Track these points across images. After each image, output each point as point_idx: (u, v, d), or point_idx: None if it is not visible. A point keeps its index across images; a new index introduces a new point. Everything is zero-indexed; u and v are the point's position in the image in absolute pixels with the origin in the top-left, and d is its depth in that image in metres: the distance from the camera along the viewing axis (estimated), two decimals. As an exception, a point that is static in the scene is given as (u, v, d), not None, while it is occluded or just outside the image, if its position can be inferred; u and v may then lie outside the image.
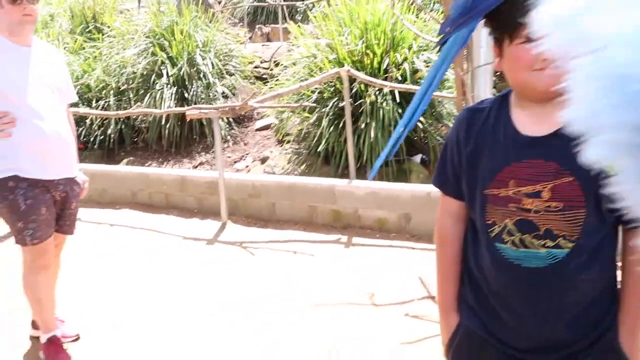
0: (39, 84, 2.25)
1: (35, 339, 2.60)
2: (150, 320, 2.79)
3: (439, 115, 4.72)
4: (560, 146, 0.95)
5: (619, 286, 1.09)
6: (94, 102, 6.49)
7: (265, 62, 7.50)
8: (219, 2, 10.41)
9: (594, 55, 0.46)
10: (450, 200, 1.20)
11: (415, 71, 4.74)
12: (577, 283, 1.02)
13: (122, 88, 6.49)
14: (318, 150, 4.83)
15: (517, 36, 0.96)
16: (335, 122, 4.74)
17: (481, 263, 1.11)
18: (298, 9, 10.05)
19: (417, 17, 5.26)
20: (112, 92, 6.47)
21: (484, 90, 2.43)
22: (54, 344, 2.39)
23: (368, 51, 4.76)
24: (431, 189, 3.73)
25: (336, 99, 4.82)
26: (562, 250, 0.99)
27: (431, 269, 3.14)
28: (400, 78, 4.66)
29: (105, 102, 6.44)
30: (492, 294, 1.10)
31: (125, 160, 6.07)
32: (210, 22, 6.97)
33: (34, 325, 2.61)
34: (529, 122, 1.03)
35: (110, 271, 3.49)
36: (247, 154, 5.81)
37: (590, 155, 0.48)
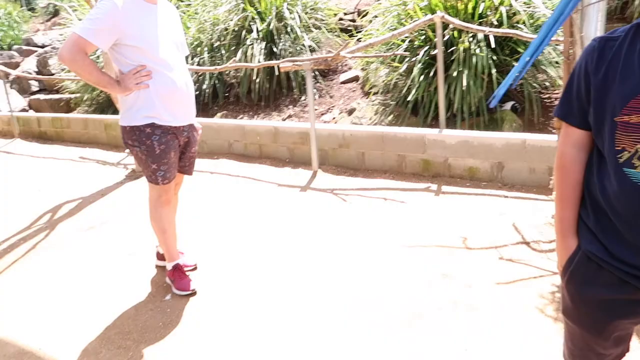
0: (167, 39, 2.47)
1: (160, 268, 2.97)
2: (252, 256, 3.06)
3: (536, 61, 4.50)
4: None
5: None
6: (189, 59, 6.86)
7: (350, 13, 7.45)
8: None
9: None
10: (574, 130, 1.24)
11: (512, 14, 4.53)
12: None
13: (216, 45, 6.78)
14: (407, 100, 4.82)
15: None
16: (426, 71, 4.69)
17: (608, 189, 1.16)
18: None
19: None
20: (206, 49, 6.79)
21: (594, 30, 2.32)
22: (178, 270, 2.72)
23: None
24: (526, 137, 3.65)
25: (427, 47, 4.74)
26: None
27: (525, 216, 3.15)
28: (496, 23, 4.47)
29: (200, 58, 6.78)
30: (618, 218, 1.15)
31: (219, 114, 6.42)
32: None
33: (159, 257, 2.97)
34: None
35: (215, 214, 3.81)
36: (333, 107, 5.92)
37: None
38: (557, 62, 4.51)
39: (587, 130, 1.20)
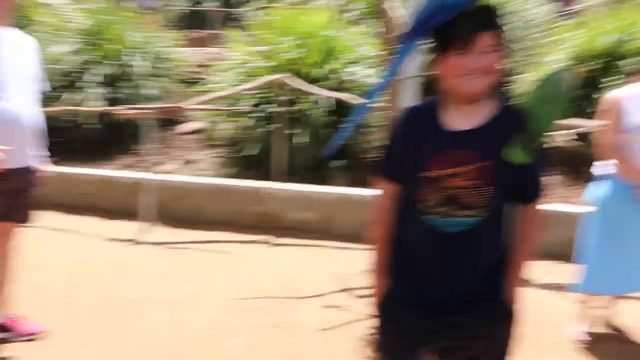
0: (11, 68, 2.23)
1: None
2: (71, 316, 2.77)
3: (364, 123, 4.99)
4: (480, 138, 1.27)
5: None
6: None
7: (198, 66, 7.52)
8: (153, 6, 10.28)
9: None
10: (389, 184, 1.45)
11: (348, 81, 5.01)
12: (486, 245, 1.33)
13: (51, 85, 6.26)
14: (246, 154, 4.94)
15: (453, 48, 1.24)
16: (267, 127, 4.89)
17: (413, 233, 1.38)
18: (233, 15, 10.15)
19: (353, 31, 5.55)
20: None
21: (411, 100, 2.71)
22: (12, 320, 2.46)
23: (304, 60, 4.97)
24: (353, 191, 3.97)
25: (270, 104, 4.97)
26: (476, 218, 1.29)
27: (350, 265, 3.36)
28: (334, 87, 4.90)
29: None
30: (420, 258, 1.37)
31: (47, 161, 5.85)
32: (143, 24, 6.90)
33: None
34: (458, 119, 1.31)
35: (35, 272, 3.39)
36: (172, 158, 5.80)
37: None
38: (380, 126, 5.05)
39: (401, 184, 1.41)
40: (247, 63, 5.38)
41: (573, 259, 2.70)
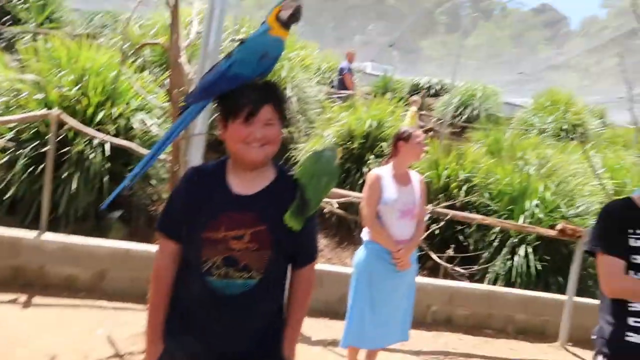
0: None
1: None
2: None
3: (146, 175, 4.81)
4: (259, 203, 1.37)
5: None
6: None
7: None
8: None
9: None
10: (170, 243, 1.43)
11: (130, 128, 4.77)
12: (262, 305, 1.40)
13: None
14: (4, 197, 4.24)
15: (237, 117, 1.34)
16: (31, 167, 4.30)
17: (192, 293, 1.37)
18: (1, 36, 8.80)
19: (140, 76, 5.36)
20: None
21: (196, 156, 2.73)
22: None
23: (83, 98, 4.58)
24: (130, 246, 3.75)
25: (37, 142, 4.40)
26: (253, 280, 1.35)
27: (122, 327, 3.12)
28: (113, 132, 4.60)
29: None
30: (197, 318, 1.38)
31: None
32: None
33: None
34: (240, 183, 1.39)
35: None
36: None
37: None
38: (164, 178, 4.93)
39: (181, 243, 1.41)
40: (13, 91, 4.71)
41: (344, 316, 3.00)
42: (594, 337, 1.84)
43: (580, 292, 4.33)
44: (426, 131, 9.38)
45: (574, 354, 4.07)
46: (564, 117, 10.82)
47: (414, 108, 9.62)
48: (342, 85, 9.89)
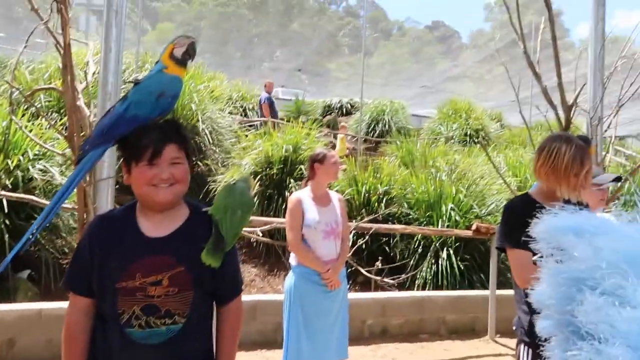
0: None
1: None
2: None
3: (53, 227, 4.48)
4: (174, 244, 1.30)
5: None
6: None
7: None
8: None
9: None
10: (80, 298, 1.33)
11: (29, 179, 4.44)
12: (190, 350, 1.32)
13: None
14: None
15: (141, 159, 1.28)
16: None
17: (112, 347, 1.27)
18: None
19: (34, 124, 5.02)
20: None
21: (106, 201, 2.59)
22: None
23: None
24: (42, 306, 3.45)
25: None
26: (178, 325, 1.28)
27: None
28: (10, 186, 4.25)
29: None
30: None
31: None
32: None
33: None
34: (151, 226, 1.32)
35: None
36: None
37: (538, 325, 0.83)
38: (74, 228, 4.62)
39: (93, 297, 1.31)
40: None
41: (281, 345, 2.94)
42: (514, 327, 1.95)
43: (501, 285, 4.59)
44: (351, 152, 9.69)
45: (504, 345, 4.29)
46: (466, 124, 11.57)
47: (341, 134, 9.89)
48: (262, 115, 10.00)
